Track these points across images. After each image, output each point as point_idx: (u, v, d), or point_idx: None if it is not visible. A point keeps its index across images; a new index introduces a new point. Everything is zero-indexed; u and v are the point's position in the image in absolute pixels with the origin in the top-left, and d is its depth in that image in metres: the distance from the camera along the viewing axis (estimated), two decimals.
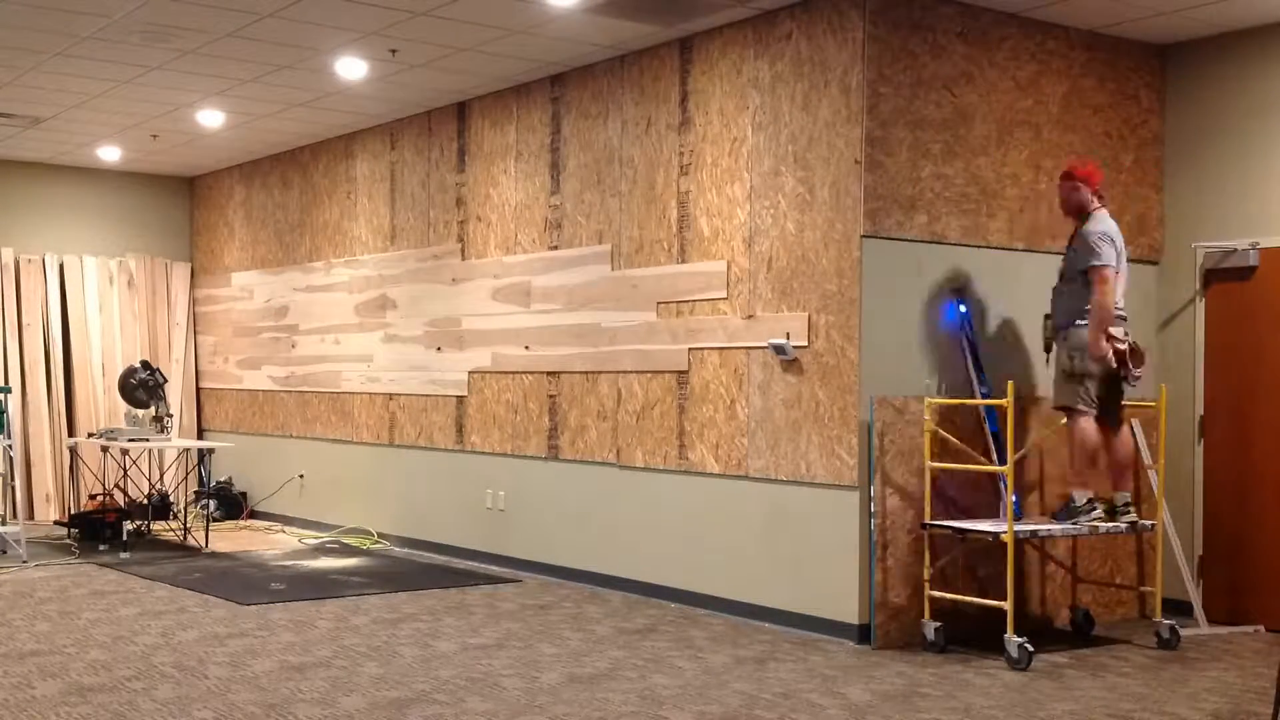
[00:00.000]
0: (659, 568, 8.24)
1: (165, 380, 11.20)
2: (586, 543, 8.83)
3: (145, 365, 11.08)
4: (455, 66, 8.91)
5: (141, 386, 10.90)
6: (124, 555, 9.97)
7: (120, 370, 11.60)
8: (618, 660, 6.55)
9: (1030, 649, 6.51)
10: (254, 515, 12.58)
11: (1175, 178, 8.07)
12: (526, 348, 9.32)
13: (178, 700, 5.67)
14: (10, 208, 12.82)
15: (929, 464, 6.91)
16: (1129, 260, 7.98)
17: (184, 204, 13.84)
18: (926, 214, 7.19)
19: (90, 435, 11.29)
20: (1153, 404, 7.35)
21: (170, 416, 11.01)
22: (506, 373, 9.52)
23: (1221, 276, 7.81)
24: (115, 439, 10.58)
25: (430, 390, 10.31)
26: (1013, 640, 6.49)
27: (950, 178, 7.29)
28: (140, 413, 10.86)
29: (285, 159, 12.24)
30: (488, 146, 9.75)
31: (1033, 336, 7.45)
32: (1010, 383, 6.68)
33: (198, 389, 13.65)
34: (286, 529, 11.84)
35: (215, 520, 12.04)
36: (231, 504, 12.56)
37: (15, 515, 10.56)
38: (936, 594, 6.88)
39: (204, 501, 12.29)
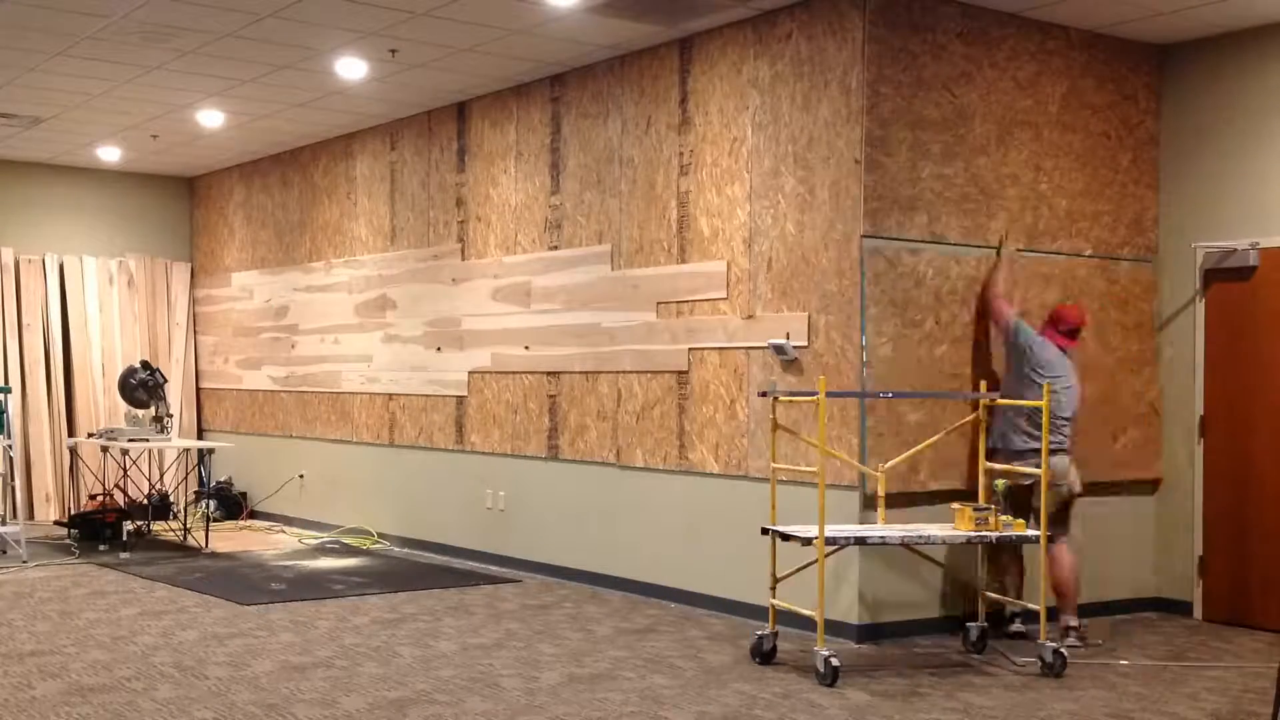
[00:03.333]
0: (659, 568, 8.24)
1: (165, 380, 11.19)
2: (586, 543, 8.83)
3: (145, 365, 11.08)
4: (455, 66, 8.91)
5: (141, 386, 10.90)
6: (124, 555, 9.97)
7: (120, 370, 11.60)
8: (618, 660, 6.55)
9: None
10: (254, 515, 12.57)
11: (1174, 178, 8.07)
12: (526, 348, 9.32)
13: (178, 700, 5.68)
14: (10, 208, 12.82)
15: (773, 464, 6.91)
16: (1129, 260, 8.01)
17: (184, 204, 13.84)
18: (926, 214, 7.19)
19: (90, 435, 11.29)
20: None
21: (170, 416, 11.00)
22: (506, 373, 9.52)
23: (1221, 276, 7.81)
24: (115, 439, 10.58)
25: (430, 390, 10.31)
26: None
27: (950, 178, 7.29)
28: (140, 413, 10.86)
29: (285, 159, 12.24)
30: (488, 146, 9.75)
31: None
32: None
33: (198, 389, 13.64)
34: (286, 529, 11.84)
35: (215, 520, 12.04)
36: (231, 504, 12.56)
37: (15, 515, 10.56)
38: (778, 603, 6.55)
39: (205, 501, 12.28)
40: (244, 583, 8.85)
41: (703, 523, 7.91)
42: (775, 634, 6.53)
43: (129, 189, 13.46)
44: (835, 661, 6.04)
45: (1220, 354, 7.81)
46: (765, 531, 6.55)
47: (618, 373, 8.55)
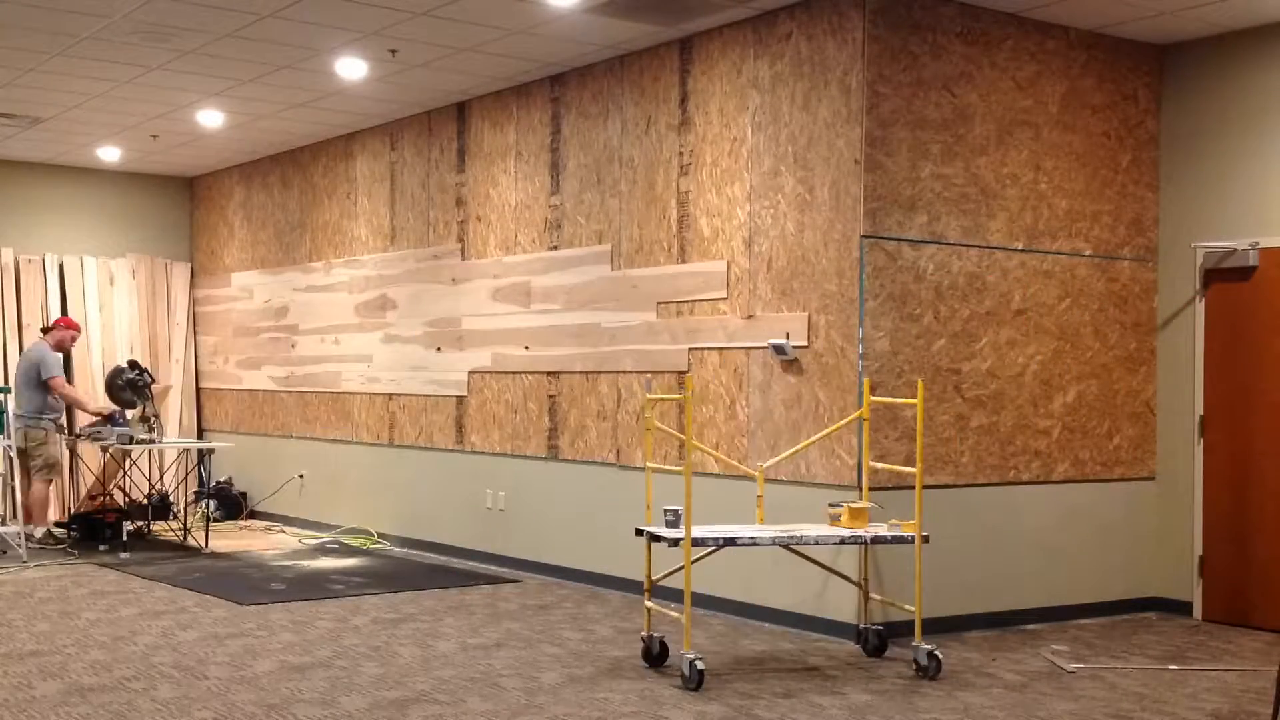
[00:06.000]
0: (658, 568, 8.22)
1: (153, 380, 11.11)
2: (586, 543, 8.82)
3: (133, 365, 11.00)
4: (455, 66, 8.91)
5: (129, 386, 10.84)
6: (124, 555, 9.97)
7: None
8: (617, 660, 6.55)
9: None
10: (254, 515, 12.58)
11: (1174, 178, 8.07)
12: (526, 348, 9.32)
13: (178, 700, 5.68)
14: (10, 208, 12.82)
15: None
16: (1129, 260, 8.02)
17: (184, 204, 13.84)
18: (926, 214, 7.20)
19: (77, 436, 11.19)
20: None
21: (156, 416, 10.87)
22: (506, 373, 9.52)
23: (1221, 276, 7.81)
24: (101, 439, 10.54)
25: (430, 390, 10.31)
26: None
27: (950, 178, 7.29)
28: (127, 413, 10.80)
29: (285, 159, 12.25)
30: (488, 146, 9.76)
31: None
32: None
33: (198, 389, 13.64)
34: (286, 529, 11.84)
35: (215, 520, 12.03)
36: (231, 504, 12.56)
37: (15, 515, 10.56)
38: (652, 606, 6.42)
39: (205, 501, 12.27)
40: (244, 583, 8.85)
41: (702, 523, 7.89)
42: (660, 638, 6.42)
43: (129, 189, 13.46)
44: (700, 665, 5.95)
45: (1220, 354, 7.82)
46: (639, 532, 6.44)
47: (618, 373, 8.55)
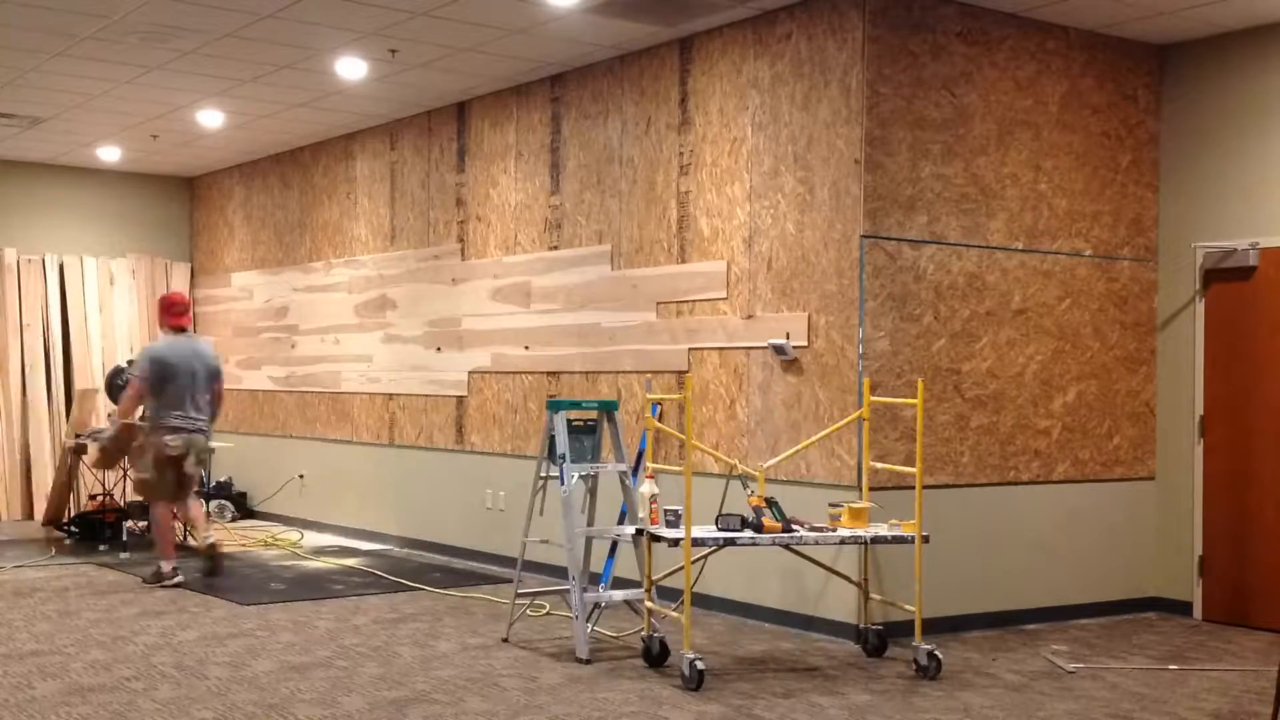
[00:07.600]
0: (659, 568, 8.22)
1: None
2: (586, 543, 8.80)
3: (133, 365, 10.98)
4: (455, 66, 8.91)
5: (128, 386, 10.81)
6: (124, 555, 9.97)
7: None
8: (617, 660, 6.55)
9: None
10: (254, 515, 12.57)
11: (1174, 178, 8.07)
12: (526, 348, 9.32)
13: (178, 700, 5.68)
14: (10, 208, 12.82)
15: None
16: (1129, 260, 8.01)
17: (184, 204, 13.84)
18: (926, 214, 7.20)
19: (77, 436, 11.18)
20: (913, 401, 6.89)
21: None
22: (506, 373, 9.52)
23: (1221, 276, 7.82)
24: (100, 439, 10.50)
25: (430, 390, 10.31)
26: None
27: (950, 178, 7.29)
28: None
29: (285, 159, 12.24)
30: (488, 146, 9.76)
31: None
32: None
33: None
34: (286, 529, 11.84)
35: (231, 522, 12.03)
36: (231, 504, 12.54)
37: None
38: (652, 606, 6.47)
39: (212, 502, 12.23)
40: (244, 583, 8.84)
41: (703, 523, 7.88)
42: (660, 638, 6.41)
43: (129, 189, 13.46)
44: (700, 665, 5.95)
45: (1220, 354, 7.82)
46: (639, 532, 6.46)
47: (617, 373, 8.55)
